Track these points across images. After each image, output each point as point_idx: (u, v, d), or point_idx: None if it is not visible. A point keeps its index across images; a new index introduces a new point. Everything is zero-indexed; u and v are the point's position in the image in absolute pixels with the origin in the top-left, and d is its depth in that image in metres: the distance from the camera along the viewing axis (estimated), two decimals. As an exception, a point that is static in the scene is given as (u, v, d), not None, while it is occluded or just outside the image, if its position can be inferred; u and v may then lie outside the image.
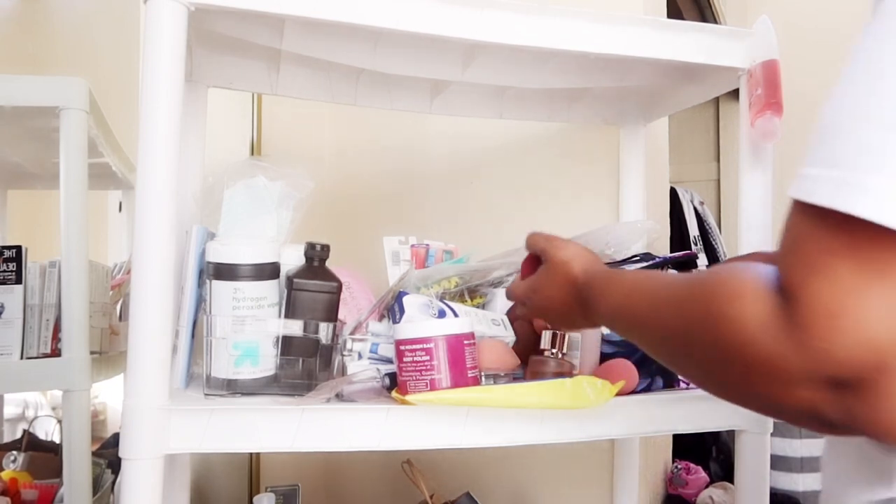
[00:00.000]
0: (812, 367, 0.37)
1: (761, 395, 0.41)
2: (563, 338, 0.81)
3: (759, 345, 0.39)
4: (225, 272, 0.79)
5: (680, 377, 0.93)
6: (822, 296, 0.36)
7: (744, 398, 0.44)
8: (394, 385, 0.80)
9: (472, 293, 0.95)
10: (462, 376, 0.76)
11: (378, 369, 0.82)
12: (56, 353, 1.21)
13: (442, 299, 0.88)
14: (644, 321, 0.52)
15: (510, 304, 0.93)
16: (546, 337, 0.82)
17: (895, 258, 0.34)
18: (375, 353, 0.84)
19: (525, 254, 0.76)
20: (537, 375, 0.81)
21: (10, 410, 1.81)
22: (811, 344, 0.36)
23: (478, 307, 0.94)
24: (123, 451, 0.69)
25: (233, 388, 0.79)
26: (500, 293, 0.93)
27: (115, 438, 1.56)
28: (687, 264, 1.01)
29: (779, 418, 0.43)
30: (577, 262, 0.67)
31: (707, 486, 1.40)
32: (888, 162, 0.34)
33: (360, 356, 0.84)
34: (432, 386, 0.75)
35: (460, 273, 0.94)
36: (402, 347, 0.77)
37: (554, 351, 0.81)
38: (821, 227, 0.36)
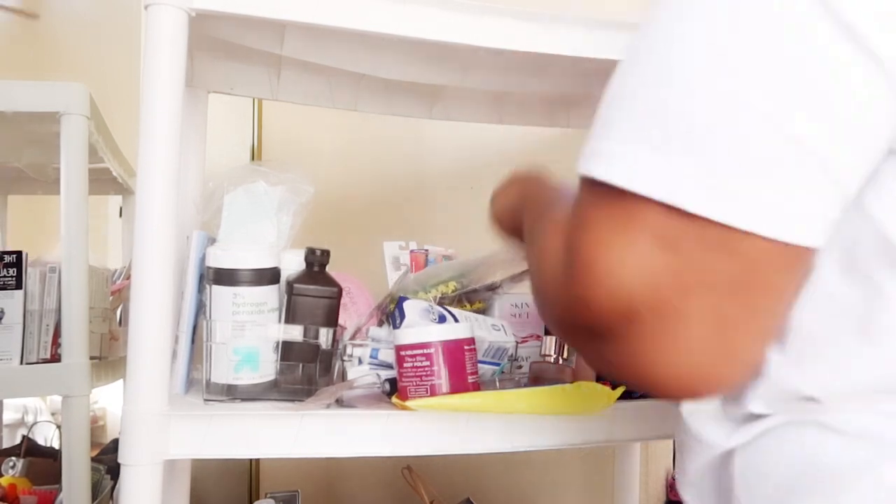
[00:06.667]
0: (577, 316, 0.39)
1: (567, 340, 0.47)
2: (565, 343, 0.81)
3: (551, 294, 0.42)
4: (225, 277, 0.79)
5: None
6: (582, 247, 0.37)
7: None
8: (394, 390, 0.80)
9: (470, 298, 0.95)
10: (462, 382, 0.76)
11: (378, 375, 0.81)
12: (56, 358, 1.21)
13: (442, 305, 0.88)
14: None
15: (509, 308, 0.93)
16: (547, 342, 0.82)
17: (631, 211, 0.36)
18: (375, 358, 0.84)
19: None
20: (538, 381, 0.81)
21: (9, 416, 1.81)
22: (574, 293, 0.38)
23: (477, 312, 0.94)
24: (123, 457, 0.69)
25: (232, 393, 0.79)
26: (500, 298, 0.93)
27: (115, 444, 1.56)
28: None
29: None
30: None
31: (708, 492, 1.40)
32: (614, 131, 0.38)
33: (360, 361, 0.84)
34: (432, 391, 0.75)
35: (456, 274, 0.94)
36: (402, 353, 0.77)
37: (555, 356, 0.81)
38: (585, 188, 0.39)
